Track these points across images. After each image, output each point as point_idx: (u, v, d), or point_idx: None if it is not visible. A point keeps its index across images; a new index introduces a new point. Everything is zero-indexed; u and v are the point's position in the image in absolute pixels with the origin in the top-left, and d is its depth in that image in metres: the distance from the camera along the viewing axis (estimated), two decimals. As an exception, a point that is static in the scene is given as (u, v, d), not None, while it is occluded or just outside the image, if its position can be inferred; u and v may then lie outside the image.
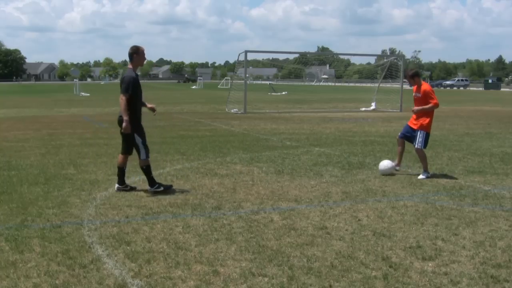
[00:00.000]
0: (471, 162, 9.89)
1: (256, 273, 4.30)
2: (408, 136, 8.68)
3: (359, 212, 6.26)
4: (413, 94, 8.70)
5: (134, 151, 7.26)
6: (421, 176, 8.36)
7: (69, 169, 8.90)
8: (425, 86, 8.58)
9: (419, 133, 8.49)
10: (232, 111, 23.98)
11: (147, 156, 7.16)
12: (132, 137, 7.10)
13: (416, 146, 8.52)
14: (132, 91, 6.99)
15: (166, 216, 6.04)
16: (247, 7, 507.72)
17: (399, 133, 8.91)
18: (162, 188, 7.12)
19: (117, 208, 6.34)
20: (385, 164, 8.61)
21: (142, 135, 7.17)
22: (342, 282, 4.14)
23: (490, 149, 11.66)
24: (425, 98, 8.45)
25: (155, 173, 8.49)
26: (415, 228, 5.61)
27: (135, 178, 8.09)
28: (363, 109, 26.67)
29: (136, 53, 7.13)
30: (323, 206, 6.51)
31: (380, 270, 4.39)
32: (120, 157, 7.37)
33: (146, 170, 7.18)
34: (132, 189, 7.35)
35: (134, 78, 7.04)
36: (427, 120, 8.49)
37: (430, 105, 8.41)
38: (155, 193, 7.06)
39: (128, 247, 4.91)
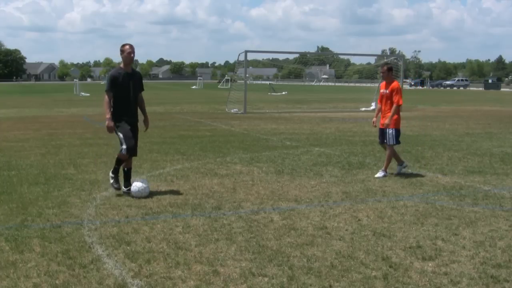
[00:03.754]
0: (471, 162, 9.89)
1: (256, 273, 4.30)
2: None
3: (359, 212, 6.26)
4: (381, 91, 8.69)
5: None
6: (378, 175, 8.36)
7: (69, 169, 8.90)
8: (395, 83, 8.59)
9: (388, 130, 8.50)
10: (232, 111, 23.98)
11: (126, 152, 7.03)
12: (116, 133, 7.10)
13: (388, 143, 8.51)
14: (112, 88, 6.96)
15: (166, 216, 6.03)
16: (247, 7, 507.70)
17: (378, 140, 8.98)
18: (116, 186, 7.11)
19: (117, 208, 6.34)
20: (138, 186, 7.00)
21: (124, 130, 7.05)
22: (342, 282, 4.14)
23: (490, 149, 11.66)
24: (391, 94, 8.46)
25: (155, 173, 8.50)
26: (415, 228, 5.61)
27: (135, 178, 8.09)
28: (363, 109, 26.67)
29: (121, 52, 7.08)
30: (323, 206, 6.51)
31: (380, 270, 4.39)
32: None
33: (116, 161, 7.16)
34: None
35: (112, 75, 7.03)
36: (394, 117, 8.46)
37: (393, 108, 8.40)
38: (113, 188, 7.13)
39: (128, 247, 4.91)
